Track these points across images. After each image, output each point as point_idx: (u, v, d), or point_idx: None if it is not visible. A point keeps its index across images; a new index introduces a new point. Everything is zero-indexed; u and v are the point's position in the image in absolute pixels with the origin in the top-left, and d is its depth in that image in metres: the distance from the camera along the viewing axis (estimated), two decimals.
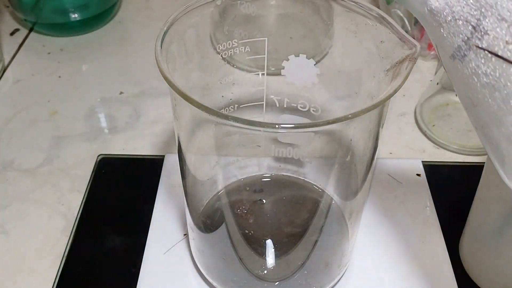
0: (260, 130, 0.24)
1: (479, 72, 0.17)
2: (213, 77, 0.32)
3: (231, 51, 0.31)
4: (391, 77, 0.25)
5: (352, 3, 0.28)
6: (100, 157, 0.44)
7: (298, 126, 0.23)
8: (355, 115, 0.23)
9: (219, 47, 0.30)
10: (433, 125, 0.45)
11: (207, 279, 0.34)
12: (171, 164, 0.41)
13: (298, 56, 0.31)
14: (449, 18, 0.18)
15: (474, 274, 0.35)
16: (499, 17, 0.16)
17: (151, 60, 0.53)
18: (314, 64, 0.31)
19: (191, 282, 0.34)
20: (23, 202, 0.40)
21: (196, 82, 0.32)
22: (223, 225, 0.34)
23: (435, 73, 0.48)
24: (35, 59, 0.55)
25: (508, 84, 0.16)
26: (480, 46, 0.17)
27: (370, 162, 0.29)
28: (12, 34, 0.59)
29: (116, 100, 0.50)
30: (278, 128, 0.22)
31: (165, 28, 0.26)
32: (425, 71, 0.52)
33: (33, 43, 0.57)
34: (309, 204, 0.36)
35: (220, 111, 0.23)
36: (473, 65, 0.17)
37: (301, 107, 0.32)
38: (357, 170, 0.30)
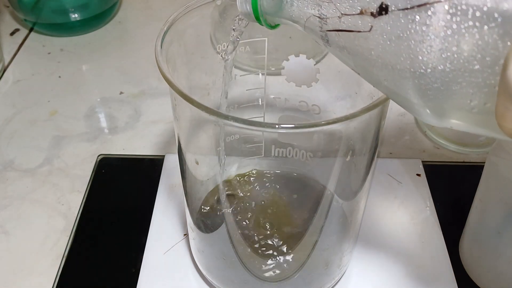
0: (260, 130, 0.24)
1: (341, 46, 0.20)
2: (213, 77, 0.32)
3: None
4: None
5: None
6: (100, 157, 0.44)
7: (298, 126, 0.23)
8: (355, 115, 0.23)
9: (219, 47, 0.30)
10: (433, 125, 0.45)
11: (207, 279, 0.34)
12: (171, 164, 0.41)
13: (298, 56, 0.31)
14: (305, 18, 0.22)
15: (474, 274, 0.35)
16: (328, 2, 0.20)
17: (151, 60, 0.53)
18: (314, 64, 0.31)
19: (191, 282, 0.34)
20: (23, 202, 0.40)
21: (196, 82, 0.32)
22: (223, 225, 0.34)
23: None
24: (35, 59, 0.55)
25: (355, 46, 0.19)
26: (328, 29, 0.20)
27: (370, 162, 0.29)
28: (12, 34, 0.59)
29: (116, 100, 0.50)
30: (278, 128, 0.22)
31: (165, 28, 0.26)
32: None
33: (33, 43, 0.57)
34: (309, 204, 0.36)
35: (220, 111, 0.23)
36: (335, 44, 0.21)
37: (301, 107, 0.32)
38: (357, 170, 0.30)
